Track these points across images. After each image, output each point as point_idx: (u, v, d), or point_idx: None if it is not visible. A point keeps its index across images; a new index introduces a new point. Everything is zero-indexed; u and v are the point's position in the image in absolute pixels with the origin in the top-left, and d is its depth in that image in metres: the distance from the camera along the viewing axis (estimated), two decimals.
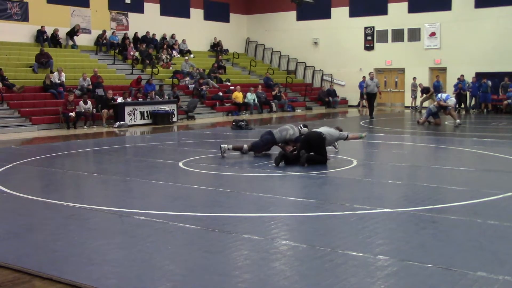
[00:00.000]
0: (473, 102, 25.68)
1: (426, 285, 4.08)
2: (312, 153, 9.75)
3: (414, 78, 27.36)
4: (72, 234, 5.55)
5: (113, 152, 12.43)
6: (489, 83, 24.66)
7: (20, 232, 5.68)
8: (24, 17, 22.90)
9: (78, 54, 24.19)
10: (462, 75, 25.36)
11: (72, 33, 24.19)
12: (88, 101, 18.98)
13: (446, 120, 19.30)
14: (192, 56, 28.31)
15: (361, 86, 27.04)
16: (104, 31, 25.34)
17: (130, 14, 27.10)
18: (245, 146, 11.15)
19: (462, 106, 25.51)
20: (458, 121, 17.87)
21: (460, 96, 25.42)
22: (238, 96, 24.70)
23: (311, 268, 4.49)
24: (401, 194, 7.56)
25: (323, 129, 10.12)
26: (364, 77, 28.70)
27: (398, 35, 29.03)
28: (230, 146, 11.13)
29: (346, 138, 10.45)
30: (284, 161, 9.71)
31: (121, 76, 23.59)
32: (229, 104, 24.73)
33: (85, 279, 4.24)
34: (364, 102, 28.89)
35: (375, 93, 22.08)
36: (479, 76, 25.46)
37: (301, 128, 10.98)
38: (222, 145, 11.03)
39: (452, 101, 18.60)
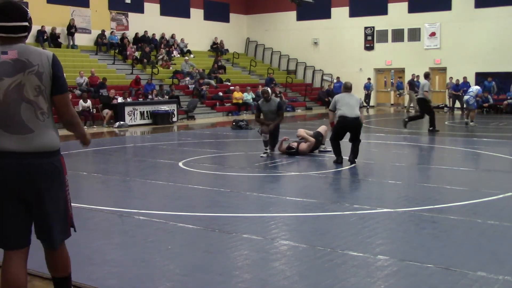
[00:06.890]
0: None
1: (426, 285, 4.08)
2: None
3: (417, 75, 26.84)
4: (72, 234, 5.53)
5: (113, 152, 12.43)
6: (493, 83, 24.64)
7: None
8: None
9: (78, 54, 24.17)
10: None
11: (70, 30, 24.09)
12: (88, 99, 19.00)
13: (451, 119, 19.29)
14: (192, 56, 28.30)
15: (366, 87, 28.03)
16: (103, 31, 25.31)
17: (130, 14, 27.07)
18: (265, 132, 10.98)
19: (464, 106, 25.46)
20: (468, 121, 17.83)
21: (460, 97, 25.40)
22: (239, 96, 24.72)
23: (311, 268, 4.49)
24: (401, 194, 7.55)
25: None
26: (369, 78, 28.74)
27: (398, 35, 29.00)
28: (268, 150, 11.02)
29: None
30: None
31: (121, 76, 23.58)
32: (229, 104, 24.72)
33: (85, 279, 4.24)
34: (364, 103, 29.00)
35: None
36: (479, 76, 25.43)
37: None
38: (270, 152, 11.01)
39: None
